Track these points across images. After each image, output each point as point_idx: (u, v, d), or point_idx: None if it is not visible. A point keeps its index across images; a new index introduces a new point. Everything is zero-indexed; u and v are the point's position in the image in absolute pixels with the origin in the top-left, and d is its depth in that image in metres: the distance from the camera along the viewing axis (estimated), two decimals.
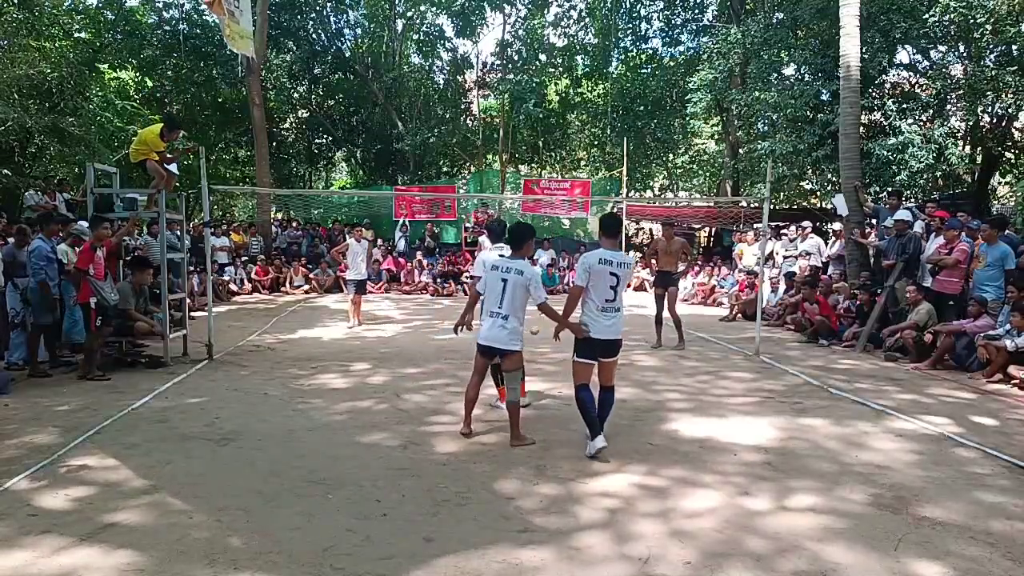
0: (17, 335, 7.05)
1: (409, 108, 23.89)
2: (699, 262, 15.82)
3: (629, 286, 16.81)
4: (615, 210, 19.71)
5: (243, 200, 28.62)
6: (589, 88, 25.35)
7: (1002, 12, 11.45)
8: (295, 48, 23.37)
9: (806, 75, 14.25)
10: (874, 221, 10.54)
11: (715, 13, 21.63)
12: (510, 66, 24.11)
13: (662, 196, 28.39)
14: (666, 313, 8.77)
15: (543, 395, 6.16)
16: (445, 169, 25.40)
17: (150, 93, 22.09)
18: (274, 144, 22.44)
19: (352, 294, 10.53)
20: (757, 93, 14.81)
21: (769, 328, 10.49)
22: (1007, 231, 8.38)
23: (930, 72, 13.95)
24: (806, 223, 13.51)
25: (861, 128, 11.90)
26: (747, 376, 7.10)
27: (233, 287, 14.60)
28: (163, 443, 4.68)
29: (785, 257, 13.06)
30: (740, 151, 19.02)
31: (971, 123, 13.96)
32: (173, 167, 7.87)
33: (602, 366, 4.55)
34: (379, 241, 17.98)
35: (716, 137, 23.35)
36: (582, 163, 27.45)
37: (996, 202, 17.98)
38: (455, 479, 4.06)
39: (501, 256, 4.86)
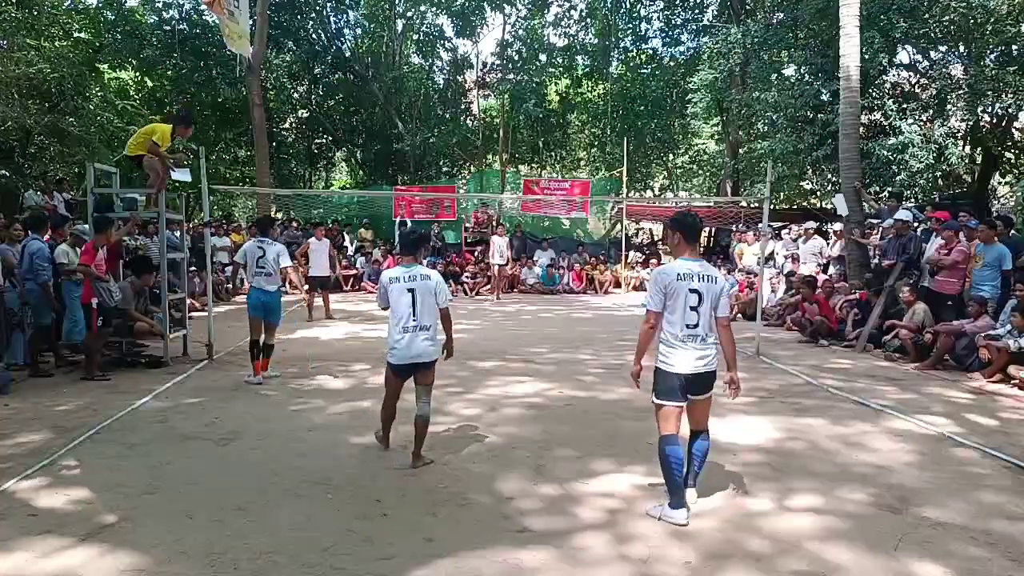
0: (16, 336, 7.04)
1: (409, 108, 23.90)
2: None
3: (634, 287, 16.86)
4: (615, 210, 19.88)
5: (243, 200, 28.62)
6: (589, 88, 25.39)
7: (1002, 12, 11.48)
8: (295, 48, 23.38)
9: (806, 75, 14.27)
10: (875, 222, 10.55)
11: (715, 13, 21.66)
12: (510, 66, 24.14)
13: (662, 196, 28.41)
14: None
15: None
16: (445, 169, 25.41)
17: (150, 93, 22.08)
18: (274, 144, 22.45)
19: (314, 290, 11.22)
20: (757, 93, 14.84)
21: (769, 328, 10.49)
22: (1011, 232, 8.37)
23: (930, 72, 13.96)
24: (810, 223, 13.48)
25: (861, 128, 11.91)
26: (747, 376, 7.04)
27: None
28: (163, 443, 4.68)
29: (785, 257, 13.07)
30: (740, 151, 19.04)
31: (971, 123, 13.98)
32: (185, 175, 7.90)
33: (692, 405, 3.62)
34: (378, 241, 17.98)
35: (716, 137, 23.37)
36: (582, 163, 27.47)
37: (996, 202, 18.00)
38: (455, 479, 4.06)
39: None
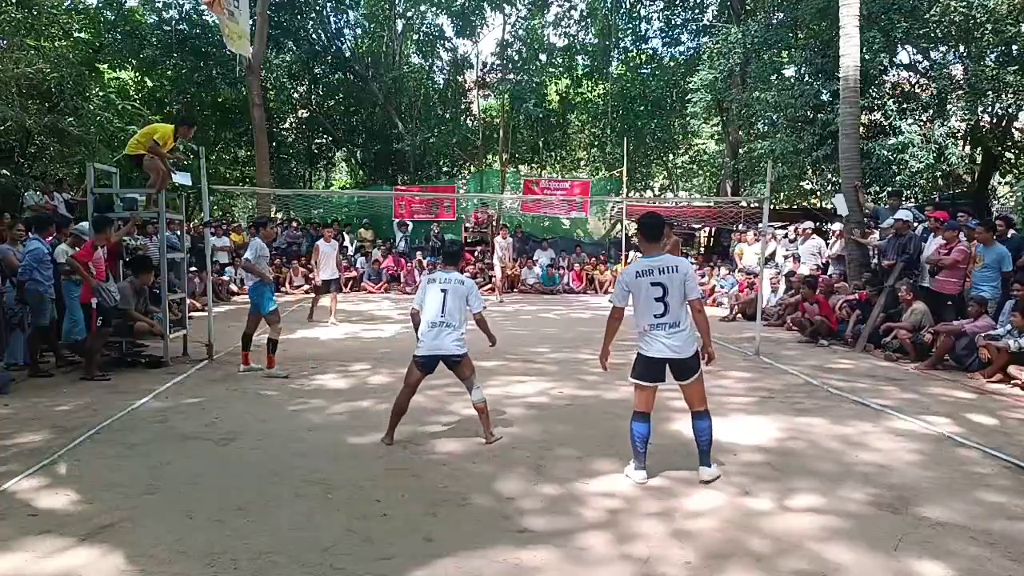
0: (16, 335, 7.04)
1: (409, 108, 23.90)
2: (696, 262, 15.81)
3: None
4: (615, 210, 19.86)
5: (243, 200, 28.63)
6: (589, 88, 25.37)
7: (1002, 12, 11.47)
8: (295, 48, 23.38)
9: (806, 75, 14.27)
10: (873, 222, 10.55)
11: (715, 13, 21.65)
12: (510, 66, 24.14)
13: (662, 196, 28.41)
14: None
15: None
16: (445, 169, 25.41)
17: (150, 93, 22.09)
18: (274, 144, 22.44)
19: (324, 293, 11.03)
20: (757, 93, 14.83)
21: (769, 328, 10.49)
22: (1010, 232, 8.36)
23: (930, 72, 13.96)
24: (807, 223, 13.49)
25: (861, 128, 11.90)
26: (747, 376, 7.09)
27: (233, 287, 14.60)
28: (163, 443, 4.68)
29: (785, 257, 13.07)
30: (740, 151, 19.03)
31: (971, 123, 13.97)
32: (186, 179, 7.94)
33: (682, 390, 3.99)
34: (378, 241, 17.98)
35: (716, 137, 23.37)
36: (582, 163, 27.46)
37: (996, 202, 18.00)
38: (455, 479, 4.06)
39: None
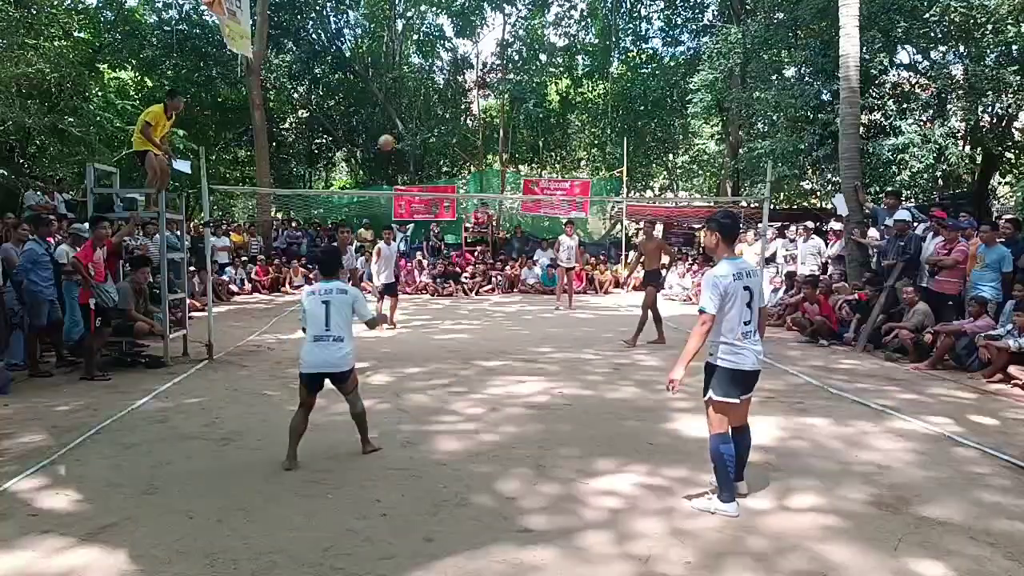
0: (16, 335, 7.04)
1: (409, 108, 23.91)
2: (683, 261, 15.84)
3: (634, 287, 16.83)
4: (615, 210, 19.88)
5: (243, 200, 28.63)
6: (589, 88, 25.37)
7: (1002, 12, 11.47)
8: (295, 48, 23.40)
9: (806, 75, 14.26)
10: (872, 221, 10.55)
11: (715, 13, 21.66)
12: (510, 66, 24.14)
13: (662, 196, 28.41)
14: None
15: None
16: (445, 169, 25.40)
17: (150, 93, 22.10)
18: (274, 144, 22.46)
19: (385, 298, 10.27)
20: (757, 93, 14.82)
21: (769, 328, 10.46)
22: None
23: (930, 72, 13.96)
24: (808, 223, 13.48)
25: (861, 128, 11.89)
26: None
27: (233, 287, 14.60)
28: (163, 443, 4.68)
29: (785, 257, 13.06)
30: (740, 151, 19.03)
31: (971, 123, 13.96)
32: (185, 166, 7.92)
33: (742, 404, 3.69)
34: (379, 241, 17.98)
35: (716, 137, 23.38)
36: (582, 163, 27.46)
37: (996, 202, 18.00)
38: (455, 479, 4.05)
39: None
